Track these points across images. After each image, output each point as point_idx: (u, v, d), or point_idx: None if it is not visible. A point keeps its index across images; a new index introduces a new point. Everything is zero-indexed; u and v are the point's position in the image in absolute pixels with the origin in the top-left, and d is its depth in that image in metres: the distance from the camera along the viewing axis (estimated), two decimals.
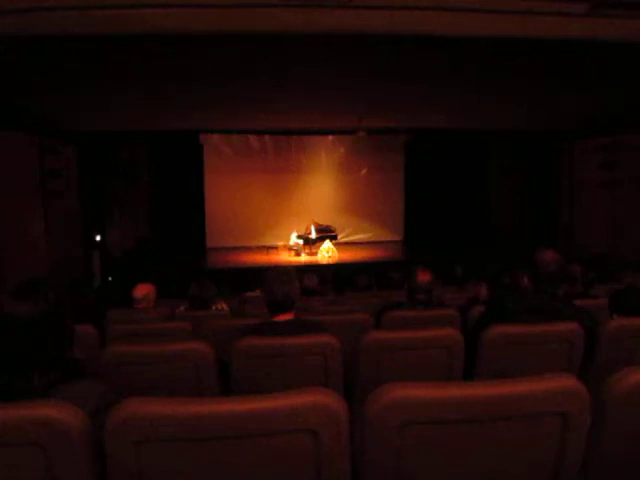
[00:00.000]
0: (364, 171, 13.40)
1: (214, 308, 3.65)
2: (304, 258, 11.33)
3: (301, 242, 11.61)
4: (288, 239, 11.87)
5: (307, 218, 12.13)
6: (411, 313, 2.79)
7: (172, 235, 11.65)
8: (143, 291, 3.82)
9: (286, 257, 11.43)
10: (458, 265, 7.45)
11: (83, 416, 1.12)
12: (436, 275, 3.09)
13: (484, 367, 2.04)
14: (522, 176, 11.12)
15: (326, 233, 11.78)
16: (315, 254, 11.31)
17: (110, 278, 9.65)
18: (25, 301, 1.25)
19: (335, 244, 11.54)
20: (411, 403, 1.14)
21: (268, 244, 12.16)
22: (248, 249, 12.22)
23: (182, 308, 3.68)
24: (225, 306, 3.74)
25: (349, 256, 11.30)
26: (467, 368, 2.08)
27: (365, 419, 1.15)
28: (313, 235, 11.67)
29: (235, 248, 12.31)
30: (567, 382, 1.17)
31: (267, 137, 12.76)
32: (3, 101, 6.09)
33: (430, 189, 12.60)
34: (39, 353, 1.25)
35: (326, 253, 11.15)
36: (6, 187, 6.55)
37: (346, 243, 12.77)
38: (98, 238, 9.96)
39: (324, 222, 12.13)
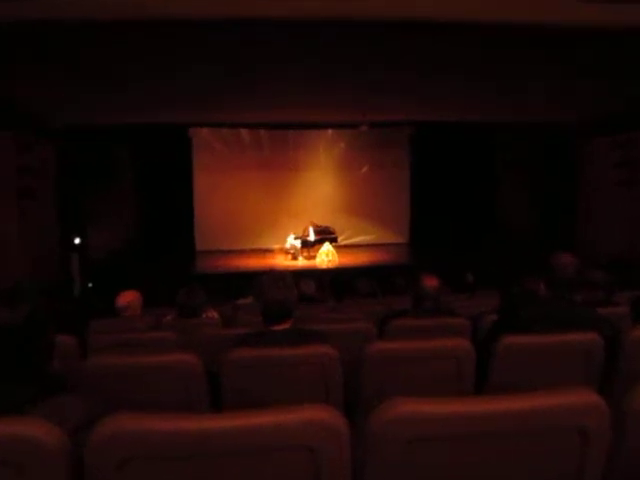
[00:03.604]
0: (366, 168, 13.41)
1: (204, 316, 3.65)
2: (302, 262, 11.33)
3: (298, 245, 11.62)
4: (284, 241, 11.87)
5: (305, 219, 12.14)
6: (417, 322, 2.80)
7: (159, 237, 11.65)
8: (127, 299, 3.82)
9: (282, 261, 11.43)
10: (469, 270, 7.45)
11: (61, 434, 1.12)
12: (444, 281, 3.09)
13: (496, 380, 2.04)
14: (536, 174, 11.16)
15: (325, 235, 11.79)
16: (313, 258, 11.31)
17: (90, 284, 9.64)
18: (4, 308, 1.25)
19: (335, 247, 11.54)
20: (418, 419, 1.14)
21: (262, 247, 12.17)
22: (241, 252, 12.23)
23: (169, 317, 3.69)
24: (216, 314, 3.75)
25: (350, 260, 11.31)
26: (478, 381, 2.08)
27: (368, 436, 1.15)
28: (311, 237, 11.68)
29: (226, 251, 12.32)
30: (585, 396, 1.17)
31: (262, 131, 12.77)
32: None
33: (438, 188, 12.61)
34: (21, 364, 1.25)
35: (325, 257, 11.15)
36: None
37: (347, 246, 12.78)
38: (77, 240, 9.94)
39: (323, 223, 12.14)
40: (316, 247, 11.52)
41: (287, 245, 11.73)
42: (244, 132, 12.77)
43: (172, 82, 6.14)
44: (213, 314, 3.74)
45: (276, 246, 12.12)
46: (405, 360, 2.06)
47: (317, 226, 11.94)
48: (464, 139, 11.72)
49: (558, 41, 4.07)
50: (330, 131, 13.13)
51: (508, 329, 2.16)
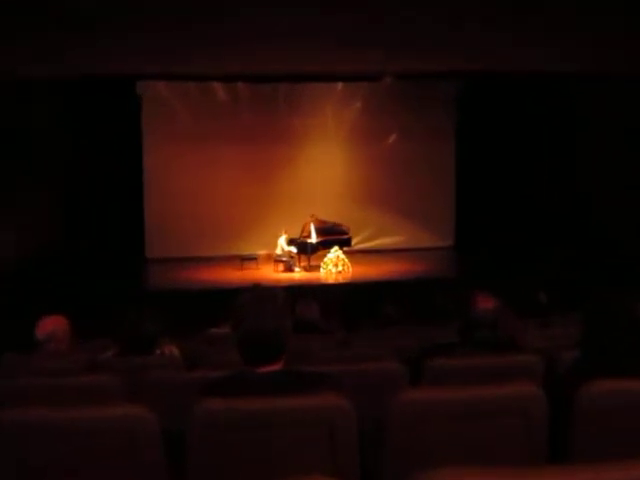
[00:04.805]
0: (393, 138, 13.46)
1: (159, 353, 3.68)
2: (299, 275, 11.36)
3: (294, 250, 11.65)
4: (274, 246, 11.90)
5: (304, 212, 12.19)
6: (467, 360, 2.82)
7: (93, 239, 11.69)
8: (49, 328, 3.84)
9: (271, 273, 11.47)
10: (541, 286, 7.44)
11: None
12: (506, 302, 3.11)
13: (581, 442, 2.05)
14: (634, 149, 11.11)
15: (333, 236, 11.82)
16: (317, 268, 11.35)
17: None
18: None
19: (347, 253, 11.57)
20: None
21: (242, 253, 12.23)
22: (211, 261, 12.28)
23: (110, 353, 3.71)
24: (176, 350, 3.77)
25: (369, 271, 11.34)
26: (554, 445, 2.09)
27: None
28: (313, 239, 11.71)
29: (191, 259, 12.38)
30: None
31: (241, 85, 12.83)
32: None
33: (494, 168, 12.63)
34: None
35: (333, 267, 11.18)
36: None
37: (365, 251, 12.83)
38: None
39: (330, 219, 12.17)
40: (320, 253, 11.56)
41: (278, 251, 11.79)
42: (216, 87, 12.84)
43: (112, 15, 6.15)
44: (172, 350, 3.75)
45: (262, 252, 12.19)
46: (450, 416, 2.06)
47: (321, 223, 11.99)
48: (534, 99, 11.71)
49: None
50: (340, 85, 13.19)
51: (596, 370, 2.16)
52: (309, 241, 11.71)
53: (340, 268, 11.20)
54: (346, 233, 12.06)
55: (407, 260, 12.34)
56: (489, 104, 12.16)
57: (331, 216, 12.28)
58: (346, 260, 11.34)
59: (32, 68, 8.43)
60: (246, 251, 12.38)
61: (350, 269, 11.26)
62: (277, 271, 11.59)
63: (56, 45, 7.34)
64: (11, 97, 9.96)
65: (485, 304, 2.93)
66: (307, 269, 11.53)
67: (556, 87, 11.17)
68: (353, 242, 12.24)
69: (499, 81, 10.88)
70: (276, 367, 2.20)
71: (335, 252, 11.38)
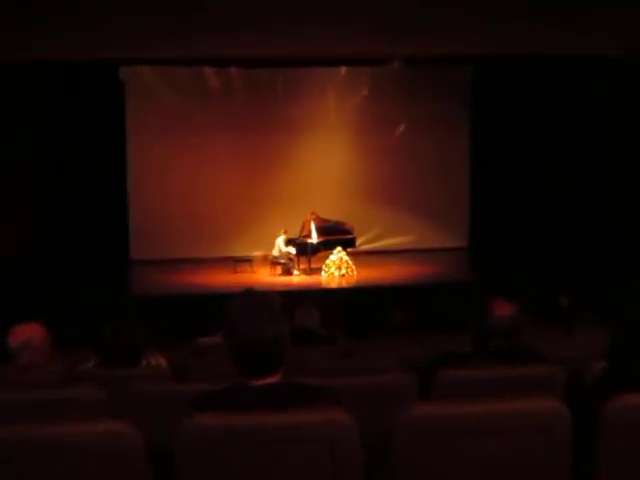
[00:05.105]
0: (402, 129, 13.46)
1: (144, 363, 3.68)
2: (298, 278, 11.36)
3: (293, 251, 11.64)
4: (271, 246, 11.90)
5: (304, 209, 12.19)
6: (482, 372, 2.82)
7: (73, 239, 11.70)
8: (24, 336, 3.83)
9: (267, 277, 11.47)
10: (563, 291, 7.45)
11: None
12: (525, 307, 3.11)
13: (607, 460, 2.06)
14: None
15: (336, 236, 11.82)
16: (317, 272, 11.34)
17: None
18: None
19: (352, 254, 11.56)
20: None
21: (236, 255, 12.22)
22: (201, 263, 12.28)
23: (90, 364, 3.72)
24: (163, 361, 3.78)
25: (375, 275, 11.35)
26: (578, 462, 2.09)
27: None
28: (314, 239, 11.71)
29: (179, 261, 12.39)
30: None
31: (234, 71, 12.83)
32: None
33: (513, 161, 12.60)
34: None
35: (336, 270, 11.18)
36: None
37: (370, 253, 12.81)
38: None
39: (332, 217, 12.16)
40: (321, 255, 11.56)
41: (275, 252, 11.77)
42: (208, 73, 12.84)
43: None
44: (159, 360, 3.76)
45: (258, 253, 12.18)
46: (462, 433, 2.06)
47: (323, 221, 11.98)
48: (557, 83, 11.69)
49: None
50: (344, 70, 13.19)
51: (624, 383, 2.17)
52: (309, 241, 11.70)
53: (343, 271, 11.20)
54: (350, 232, 12.04)
55: (416, 262, 12.35)
56: (505, 91, 12.14)
57: (333, 214, 12.28)
58: (350, 262, 11.33)
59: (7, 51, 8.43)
60: (240, 252, 12.37)
61: (354, 272, 11.27)
62: (274, 274, 11.59)
63: (31, 28, 7.35)
64: None
65: (502, 310, 2.93)
66: (307, 272, 11.53)
67: (577, 72, 11.17)
68: (357, 242, 12.22)
69: (517, 66, 10.86)
70: (273, 380, 2.20)
71: (338, 253, 11.37)
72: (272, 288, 10.18)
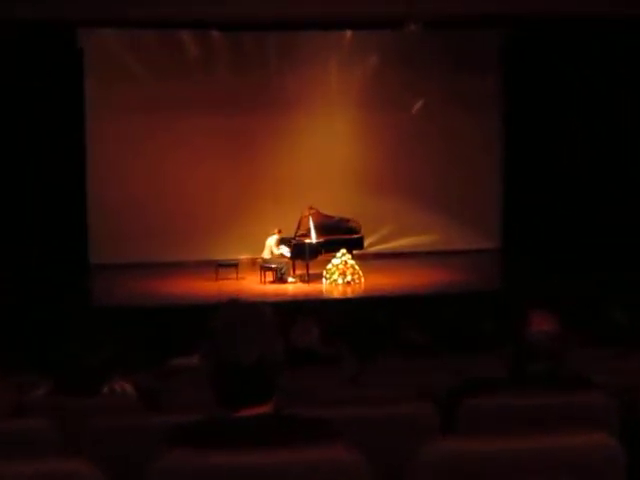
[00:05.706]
0: (419, 105, 13.49)
1: (106, 390, 3.67)
2: (294, 287, 11.39)
3: (287, 253, 11.66)
4: (261, 248, 11.92)
5: (300, 203, 12.23)
6: (518, 400, 2.82)
7: (22, 240, 11.69)
8: None
9: (256, 284, 11.51)
10: (617, 303, 7.46)
11: None
12: (570, 324, 3.10)
13: None
14: None
15: (339, 235, 11.85)
16: (317, 278, 11.39)
17: None
18: None
19: (358, 257, 11.58)
20: None
21: (218, 258, 12.26)
22: (177, 268, 12.31)
23: (41, 391, 3.71)
24: (129, 387, 3.78)
25: (386, 282, 11.37)
26: None
27: None
28: (313, 239, 11.73)
29: (149, 266, 12.44)
30: None
31: (216, 35, 12.85)
32: None
33: (556, 146, 12.62)
34: None
35: (340, 277, 11.20)
36: None
37: (381, 256, 12.85)
38: None
39: (335, 212, 12.20)
40: (322, 258, 11.59)
41: (266, 254, 11.80)
42: (184, 37, 12.86)
43: None
44: (124, 387, 3.76)
45: (245, 256, 12.22)
46: (494, 473, 2.05)
47: (323, 218, 12.02)
48: (605, 51, 11.72)
49: None
50: (349, 34, 13.22)
51: None
52: (307, 242, 11.70)
53: (349, 278, 11.21)
54: (356, 231, 12.06)
55: (436, 267, 12.41)
56: (545, 63, 12.15)
57: (336, 209, 12.31)
58: (356, 267, 11.35)
59: None
60: (223, 255, 12.42)
61: (362, 279, 11.29)
62: (264, 282, 11.61)
63: None
64: None
65: (542, 326, 2.92)
66: (305, 279, 11.54)
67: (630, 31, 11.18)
68: (365, 243, 12.25)
69: (559, 31, 10.88)
70: (262, 410, 2.17)
71: (342, 257, 11.37)
72: (262, 298, 10.23)
